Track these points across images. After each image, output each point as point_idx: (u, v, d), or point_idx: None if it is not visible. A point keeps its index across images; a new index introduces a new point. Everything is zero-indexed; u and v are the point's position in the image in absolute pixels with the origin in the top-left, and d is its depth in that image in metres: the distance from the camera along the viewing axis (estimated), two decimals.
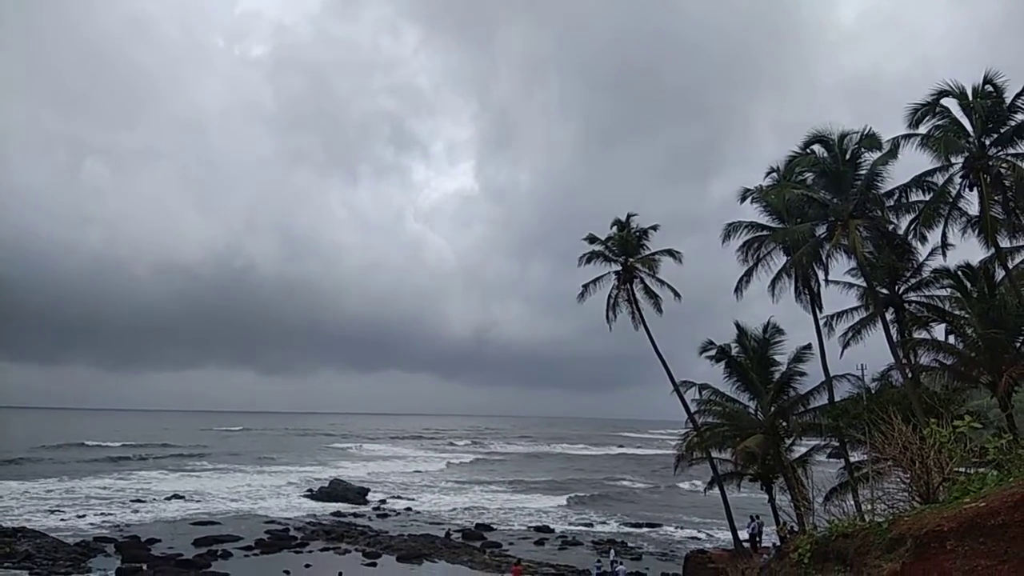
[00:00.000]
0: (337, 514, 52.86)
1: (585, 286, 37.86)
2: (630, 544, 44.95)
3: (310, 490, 62.82)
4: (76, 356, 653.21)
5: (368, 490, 62.75)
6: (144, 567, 33.53)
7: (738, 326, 32.11)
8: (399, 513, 55.55)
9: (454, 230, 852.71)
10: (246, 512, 52.42)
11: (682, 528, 52.00)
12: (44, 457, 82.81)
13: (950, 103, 24.43)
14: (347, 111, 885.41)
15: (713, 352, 31.78)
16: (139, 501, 54.56)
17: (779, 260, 30.19)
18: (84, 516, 47.19)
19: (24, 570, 31.80)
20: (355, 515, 53.02)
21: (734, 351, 31.64)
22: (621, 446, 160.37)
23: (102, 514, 48.31)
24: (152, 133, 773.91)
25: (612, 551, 38.10)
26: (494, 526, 49.87)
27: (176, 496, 57.63)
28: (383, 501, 60.35)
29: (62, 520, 45.69)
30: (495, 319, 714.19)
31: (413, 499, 62.78)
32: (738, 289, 31.68)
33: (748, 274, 31.15)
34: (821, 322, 30.44)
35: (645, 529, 51.38)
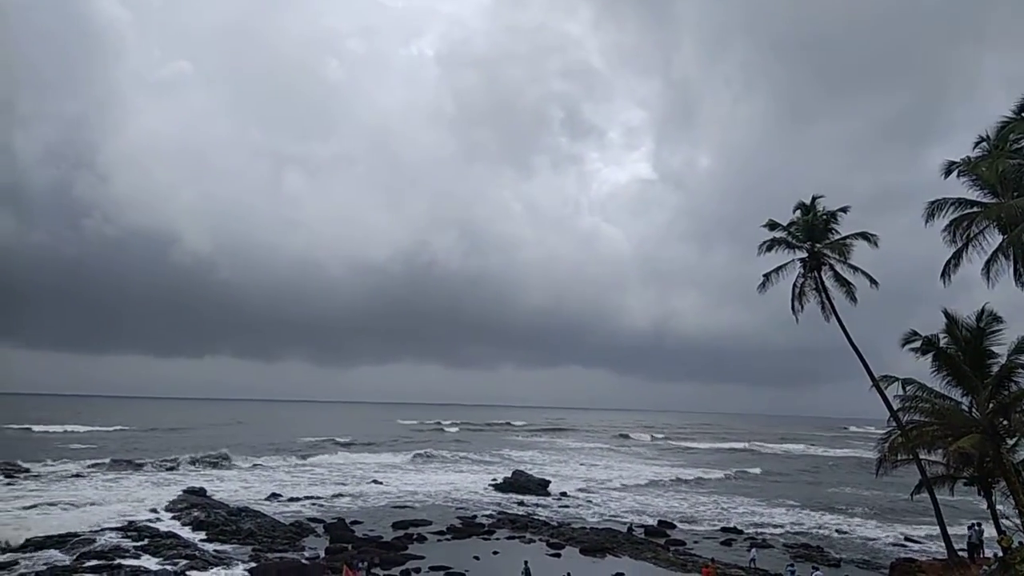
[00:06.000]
0: (521, 504, 54.46)
1: (766, 275, 36.08)
2: (826, 549, 42.21)
3: (495, 480, 65.16)
4: (291, 352, 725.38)
5: (549, 482, 63.93)
6: (349, 547, 36.42)
7: (947, 314, 28.99)
8: (580, 506, 56.11)
9: (630, 218, 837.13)
10: (437, 499, 55.46)
11: (885, 534, 48.04)
12: (262, 445, 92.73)
13: None
14: (521, 100, 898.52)
15: (918, 344, 28.93)
16: (342, 485, 59.90)
17: (994, 239, 27.02)
18: (297, 499, 52.23)
19: (248, 546, 35.68)
20: (538, 506, 54.34)
21: (943, 342, 28.67)
22: (813, 444, 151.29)
23: (312, 498, 53.23)
24: (343, 141, 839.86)
25: (793, 564, 35.44)
26: (677, 524, 48.93)
27: (375, 482, 62.63)
28: (564, 493, 61.22)
29: (279, 502, 50.99)
30: (673, 310, 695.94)
31: (594, 493, 63.17)
32: (945, 273, 28.70)
33: (956, 256, 28.14)
34: None
35: (844, 533, 48.12)
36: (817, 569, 32.67)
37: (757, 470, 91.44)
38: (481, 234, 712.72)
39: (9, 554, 31.45)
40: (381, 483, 62.65)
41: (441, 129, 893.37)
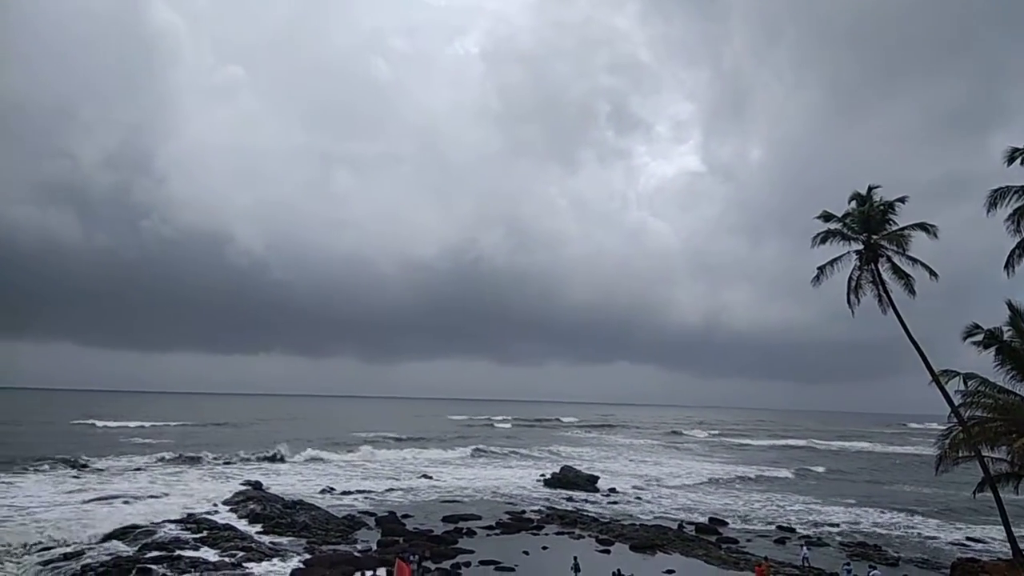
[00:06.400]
0: (570, 500, 54.39)
1: (821, 268, 35.22)
2: (884, 548, 41.08)
3: (543, 475, 65.22)
4: (341, 349, 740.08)
5: (598, 478, 63.68)
6: (401, 540, 36.86)
7: (1011, 306, 27.94)
8: (630, 503, 55.75)
9: (678, 212, 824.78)
10: (486, 494, 55.82)
11: (947, 533, 46.54)
12: (315, 440, 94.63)
13: None
14: (567, 95, 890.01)
15: (980, 337, 27.98)
16: (394, 479, 60.90)
17: None
18: (350, 493, 53.16)
19: (303, 538, 36.41)
20: (587, 502, 54.19)
21: (1006, 335, 27.61)
22: (872, 441, 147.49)
23: (364, 492, 54.16)
24: (390, 140, 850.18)
25: (849, 563, 34.32)
26: (730, 522, 48.21)
27: (426, 477, 63.48)
28: (613, 490, 60.90)
29: (332, 495, 51.94)
30: (723, 305, 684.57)
31: (644, 490, 62.69)
32: (1009, 264, 27.68)
33: (1021, 246, 27.11)
34: None
35: (903, 531, 46.79)
36: (875, 568, 31.83)
37: (821, 468, 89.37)
38: (528, 230, 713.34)
39: (75, 545, 32.74)
40: (431, 478, 63.39)
41: (487, 126, 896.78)
